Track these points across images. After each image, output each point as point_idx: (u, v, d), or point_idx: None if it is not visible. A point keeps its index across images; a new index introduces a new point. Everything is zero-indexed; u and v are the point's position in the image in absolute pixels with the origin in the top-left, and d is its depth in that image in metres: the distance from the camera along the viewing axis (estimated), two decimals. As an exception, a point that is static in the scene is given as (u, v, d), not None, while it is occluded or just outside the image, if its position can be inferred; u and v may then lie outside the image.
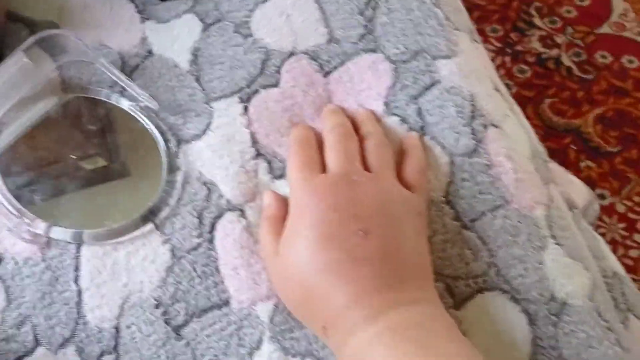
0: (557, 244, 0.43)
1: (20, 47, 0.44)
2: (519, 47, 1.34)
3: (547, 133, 1.23)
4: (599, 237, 0.55)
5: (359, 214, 0.39)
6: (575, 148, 1.22)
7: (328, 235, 0.38)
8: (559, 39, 1.35)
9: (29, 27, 0.49)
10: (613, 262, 0.52)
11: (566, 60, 1.32)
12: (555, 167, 0.59)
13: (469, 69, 0.49)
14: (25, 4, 0.50)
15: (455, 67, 0.49)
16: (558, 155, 1.19)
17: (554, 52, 1.33)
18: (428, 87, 0.48)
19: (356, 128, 0.46)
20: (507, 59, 1.32)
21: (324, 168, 0.43)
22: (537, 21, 1.37)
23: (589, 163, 1.20)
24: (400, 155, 0.45)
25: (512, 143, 0.47)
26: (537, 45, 1.33)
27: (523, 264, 0.42)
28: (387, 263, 0.37)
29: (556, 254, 0.43)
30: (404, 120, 0.47)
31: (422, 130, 0.47)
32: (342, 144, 0.43)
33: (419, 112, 0.47)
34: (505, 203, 0.44)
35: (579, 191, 0.62)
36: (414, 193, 0.42)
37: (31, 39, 0.45)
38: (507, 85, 1.23)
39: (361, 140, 0.45)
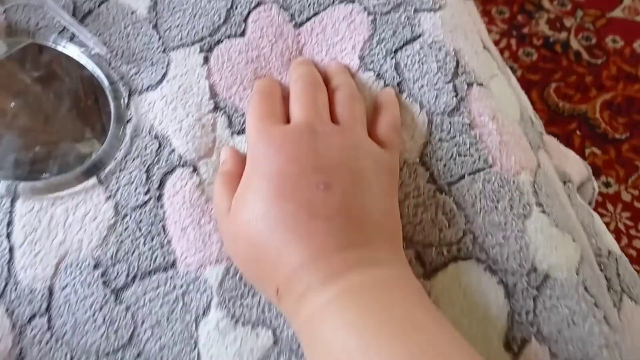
0: (543, 212, 0.39)
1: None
2: (525, 30, 1.29)
3: (552, 118, 1.18)
4: (595, 215, 0.51)
5: (320, 166, 0.35)
6: (580, 134, 1.17)
7: (284, 188, 0.34)
8: (568, 22, 1.30)
9: (-23, -32, 0.45)
10: (609, 241, 0.48)
11: (575, 44, 1.27)
12: (550, 140, 0.55)
13: (454, 23, 0.45)
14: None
15: (439, 21, 0.45)
16: (562, 140, 1.14)
17: (563, 35, 1.28)
18: (408, 41, 0.44)
19: (326, 81, 0.42)
20: (513, 41, 1.27)
21: (287, 121, 0.39)
22: (545, 3, 1.32)
23: (595, 150, 1.15)
24: (373, 112, 0.41)
25: (499, 104, 0.43)
26: (544, 28, 1.28)
27: (502, 232, 0.38)
28: (349, 220, 0.33)
29: (541, 222, 0.39)
30: (379, 75, 0.43)
31: (399, 87, 0.43)
32: (308, 94, 0.39)
33: (397, 67, 0.43)
34: (486, 166, 0.40)
35: (575, 166, 0.58)
36: (386, 150, 0.38)
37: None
38: (512, 68, 1.19)
39: (331, 92, 0.41)
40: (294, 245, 0.33)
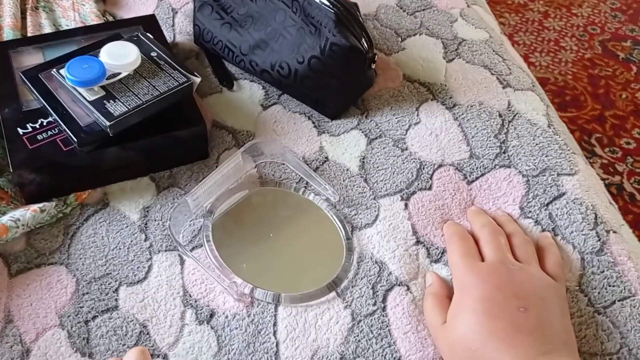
0: (680, 332, 0.50)
1: (239, 150, 0.56)
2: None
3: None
4: None
5: (518, 294, 0.47)
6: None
7: (494, 309, 0.46)
8: (620, 167, 1.47)
9: (231, 134, 0.62)
10: None
11: (628, 187, 1.43)
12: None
13: (587, 184, 0.59)
14: (228, 116, 0.64)
15: (577, 183, 0.59)
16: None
17: (616, 178, 1.45)
18: (556, 197, 0.58)
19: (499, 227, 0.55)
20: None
21: (480, 258, 0.52)
22: (598, 150, 1.50)
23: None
24: (538, 251, 0.54)
25: (631, 246, 0.56)
26: (599, 172, 1.45)
27: (652, 346, 0.49)
28: (543, 334, 0.45)
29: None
30: (537, 222, 0.56)
31: (553, 231, 0.56)
32: (495, 238, 0.53)
33: (550, 217, 0.57)
34: (631, 295, 0.52)
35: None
36: (557, 282, 0.51)
37: (248, 145, 0.57)
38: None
39: (507, 236, 0.54)
40: (506, 352, 0.44)
